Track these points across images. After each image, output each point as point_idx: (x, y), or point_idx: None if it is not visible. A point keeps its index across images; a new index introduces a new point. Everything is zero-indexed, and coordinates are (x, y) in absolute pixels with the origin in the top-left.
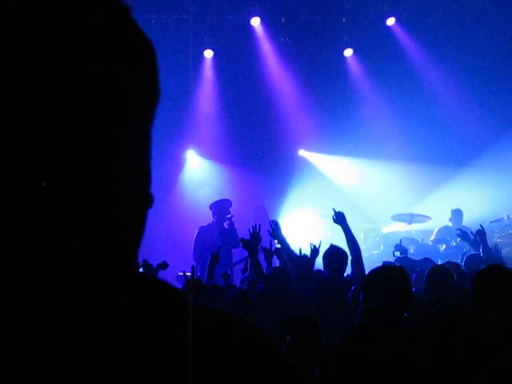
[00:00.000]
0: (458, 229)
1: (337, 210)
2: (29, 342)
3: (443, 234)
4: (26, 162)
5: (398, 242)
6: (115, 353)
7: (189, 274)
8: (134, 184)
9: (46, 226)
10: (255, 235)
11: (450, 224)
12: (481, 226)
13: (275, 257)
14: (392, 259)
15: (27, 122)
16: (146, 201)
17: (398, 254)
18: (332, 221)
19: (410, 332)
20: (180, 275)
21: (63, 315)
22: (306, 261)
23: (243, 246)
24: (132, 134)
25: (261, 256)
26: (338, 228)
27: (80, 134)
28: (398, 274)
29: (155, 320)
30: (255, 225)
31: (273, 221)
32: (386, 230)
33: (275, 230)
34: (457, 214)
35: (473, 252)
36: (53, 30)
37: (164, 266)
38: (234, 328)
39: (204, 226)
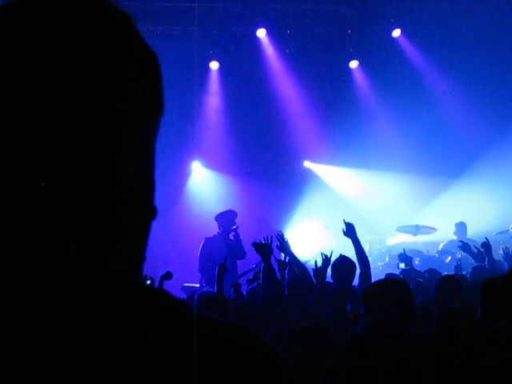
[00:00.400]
0: (460, 241)
1: (346, 222)
2: (29, 342)
3: (449, 247)
4: (26, 161)
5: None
6: (115, 353)
7: (193, 284)
8: (133, 189)
9: (46, 227)
10: (268, 240)
11: (455, 237)
12: (486, 238)
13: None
14: (397, 271)
15: (27, 122)
16: (150, 212)
17: (402, 265)
18: (338, 231)
19: (413, 341)
20: (185, 286)
21: (63, 315)
22: (319, 272)
23: (256, 250)
24: (134, 144)
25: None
26: (344, 239)
27: (81, 137)
28: (399, 287)
29: (157, 327)
30: (267, 236)
31: (279, 233)
32: (391, 241)
33: (283, 243)
34: (461, 226)
35: (479, 263)
36: (57, 37)
37: (168, 276)
38: (238, 339)
39: (210, 238)
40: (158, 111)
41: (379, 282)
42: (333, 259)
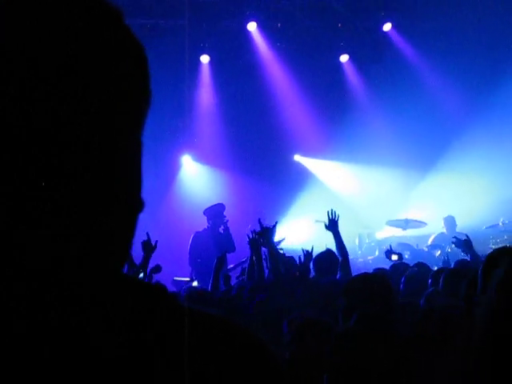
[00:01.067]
0: (454, 237)
1: (331, 217)
2: (29, 342)
3: (439, 240)
4: (26, 161)
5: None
6: (115, 353)
7: (183, 278)
8: (129, 188)
9: (45, 226)
10: (269, 228)
11: (445, 231)
12: (466, 235)
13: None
14: (387, 265)
15: (27, 122)
16: (138, 205)
17: (395, 257)
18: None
19: (401, 337)
20: (176, 280)
21: (63, 315)
22: (303, 266)
23: (249, 243)
24: (125, 138)
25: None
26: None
27: (80, 136)
28: (378, 281)
29: (153, 322)
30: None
31: (259, 219)
32: (380, 235)
33: (269, 235)
34: (449, 220)
35: (462, 257)
36: (50, 35)
37: (157, 269)
38: (229, 333)
39: (199, 232)
40: (145, 103)
41: (358, 276)
42: (315, 254)
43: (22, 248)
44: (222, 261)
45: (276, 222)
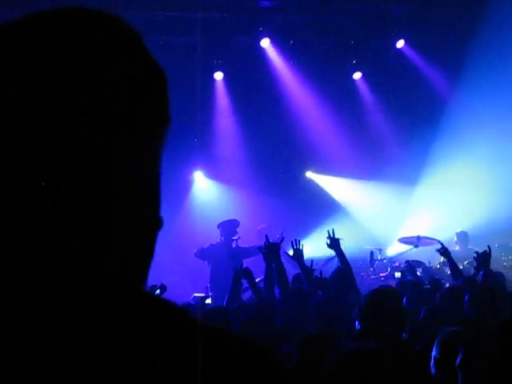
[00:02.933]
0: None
1: (332, 235)
2: (29, 342)
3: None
4: (26, 162)
5: (405, 265)
6: (115, 356)
7: (201, 294)
8: (149, 206)
9: (46, 227)
10: (276, 244)
11: (457, 247)
12: (488, 247)
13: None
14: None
15: (28, 123)
16: (156, 222)
17: (398, 275)
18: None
19: (410, 352)
20: (196, 296)
21: (63, 315)
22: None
23: (263, 253)
24: (147, 158)
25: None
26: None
27: (80, 137)
28: (391, 297)
29: (157, 330)
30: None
31: (296, 239)
32: (391, 251)
33: (299, 251)
34: (462, 236)
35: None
36: (68, 52)
37: (162, 288)
38: (241, 349)
39: (214, 244)
40: (164, 124)
41: (372, 292)
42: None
43: (21, 248)
44: (239, 278)
45: (283, 237)
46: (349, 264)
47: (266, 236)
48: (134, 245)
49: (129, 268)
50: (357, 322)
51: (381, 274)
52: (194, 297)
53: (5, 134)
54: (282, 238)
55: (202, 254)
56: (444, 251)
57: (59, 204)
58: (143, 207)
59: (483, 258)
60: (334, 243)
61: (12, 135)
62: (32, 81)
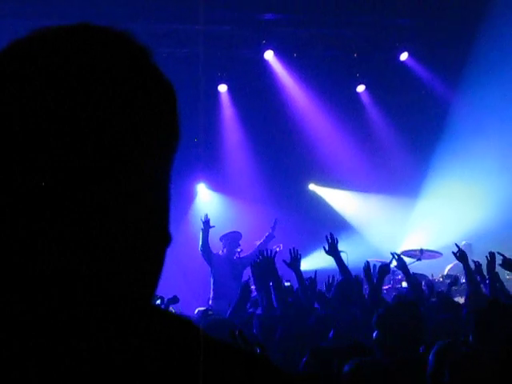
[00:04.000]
0: (457, 246)
1: (330, 240)
2: (34, 348)
3: (454, 271)
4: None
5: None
6: (119, 365)
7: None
8: (158, 222)
9: (56, 242)
10: (296, 256)
11: None
12: (491, 254)
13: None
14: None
15: (40, 136)
16: (165, 239)
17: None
18: (343, 254)
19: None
20: (200, 310)
21: (69, 323)
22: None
23: (289, 266)
24: (156, 173)
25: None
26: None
27: (112, 171)
28: (409, 312)
29: (162, 342)
30: (293, 248)
31: (294, 248)
32: (394, 264)
33: (296, 260)
34: (466, 248)
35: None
36: (77, 69)
37: (175, 300)
38: (245, 363)
39: (218, 254)
40: (174, 140)
41: (390, 307)
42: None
43: (35, 269)
44: (247, 293)
45: (276, 252)
46: (350, 273)
47: (261, 251)
48: (142, 259)
49: (137, 282)
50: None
51: (383, 287)
52: (199, 311)
53: (20, 147)
54: (275, 253)
55: (209, 256)
56: (461, 255)
57: (68, 219)
58: (153, 222)
59: (489, 265)
60: (332, 249)
61: (23, 148)
62: (45, 97)
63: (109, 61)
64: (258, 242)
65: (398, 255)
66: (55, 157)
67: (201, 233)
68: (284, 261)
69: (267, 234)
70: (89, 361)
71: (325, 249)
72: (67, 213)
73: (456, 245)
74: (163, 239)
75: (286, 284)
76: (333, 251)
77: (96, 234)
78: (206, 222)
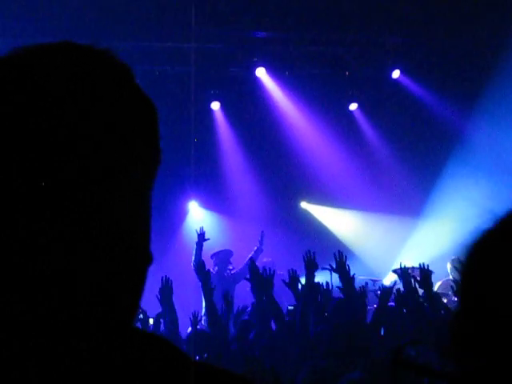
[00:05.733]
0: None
1: (338, 259)
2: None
3: (444, 289)
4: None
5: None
6: None
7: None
8: (136, 242)
9: (43, 264)
10: (311, 260)
11: (451, 277)
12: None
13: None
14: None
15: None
16: (147, 259)
17: None
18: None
19: None
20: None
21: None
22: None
23: (288, 286)
24: (135, 195)
25: None
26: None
27: (88, 192)
28: None
29: (150, 370)
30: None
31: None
32: (386, 282)
33: (295, 280)
34: (456, 263)
35: None
36: (57, 87)
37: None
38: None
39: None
40: (154, 160)
41: None
42: None
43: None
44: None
45: (274, 270)
46: (354, 290)
47: (253, 263)
48: (123, 278)
49: (118, 300)
50: None
51: (375, 306)
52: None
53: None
54: (274, 271)
55: (202, 270)
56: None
57: (68, 262)
58: (133, 242)
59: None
60: (340, 267)
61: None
62: (27, 114)
63: (88, 78)
64: (248, 257)
65: (402, 269)
66: (32, 174)
67: (195, 247)
68: (283, 280)
69: (255, 248)
70: (89, 361)
71: (331, 266)
72: (47, 233)
73: (421, 267)
74: (144, 259)
75: (290, 308)
76: (340, 269)
77: (74, 254)
78: (201, 235)
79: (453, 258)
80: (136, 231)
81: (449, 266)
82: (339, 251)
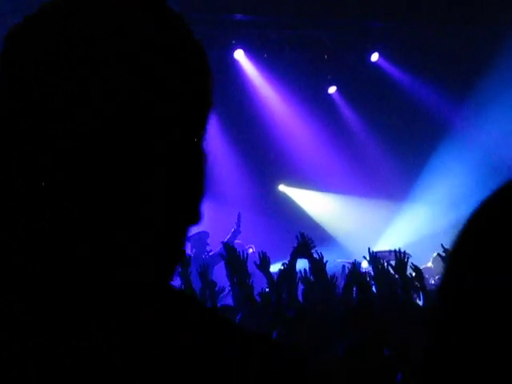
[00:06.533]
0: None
1: (301, 241)
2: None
3: (425, 273)
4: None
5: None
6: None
7: None
8: (187, 198)
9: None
10: (264, 258)
11: (431, 265)
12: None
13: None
14: None
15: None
16: (195, 217)
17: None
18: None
19: None
20: None
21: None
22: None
23: (259, 268)
24: (190, 144)
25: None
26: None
27: (145, 141)
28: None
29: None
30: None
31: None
32: (364, 265)
33: (265, 262)
34: (436, 261)
35: None
36: (117, 34)
37: None
38: (280, 353)
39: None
40: (209, 106)
41: None
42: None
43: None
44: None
45: (248, 254)
46: (325, 274)
47: (228, 245)
48: (173, 242)
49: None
50: None
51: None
52: None
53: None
54: (247, 255)
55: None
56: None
57: (118, 210)
58: (194, 207)
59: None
60: (305, 249)
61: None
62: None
63: (148, 27)
64: (226, 239)
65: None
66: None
67: None
68: (255, 262)
69: (233, 229)
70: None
71: (295, 248)
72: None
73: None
74: (192, 217)
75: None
76: (306, 251)
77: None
78: None
79: (435, 255)
80: (190, 183)
81: (434, 254)
82: (300, 232)
